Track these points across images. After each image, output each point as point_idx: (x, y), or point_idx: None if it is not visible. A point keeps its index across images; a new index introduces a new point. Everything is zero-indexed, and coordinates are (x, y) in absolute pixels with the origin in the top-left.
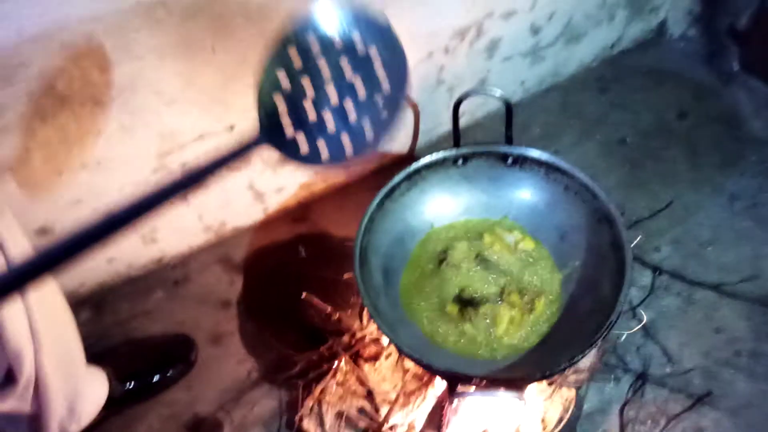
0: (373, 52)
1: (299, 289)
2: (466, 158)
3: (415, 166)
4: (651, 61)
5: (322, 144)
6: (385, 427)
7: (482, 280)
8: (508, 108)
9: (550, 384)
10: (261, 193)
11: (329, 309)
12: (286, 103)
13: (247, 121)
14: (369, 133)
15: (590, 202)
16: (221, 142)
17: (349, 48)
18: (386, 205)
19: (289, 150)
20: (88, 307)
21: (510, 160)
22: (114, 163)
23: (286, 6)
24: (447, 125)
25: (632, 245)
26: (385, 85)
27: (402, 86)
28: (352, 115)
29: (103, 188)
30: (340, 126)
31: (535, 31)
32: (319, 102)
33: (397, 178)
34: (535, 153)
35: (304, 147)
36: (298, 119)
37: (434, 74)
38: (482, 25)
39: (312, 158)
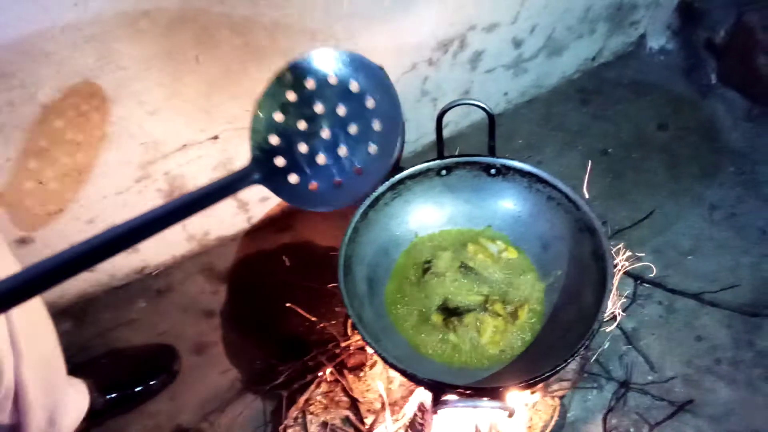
0: (369, 101)
1: (283, 299)
2: (449, 169)
3: (399, 176)
4: (631, 74)
5: (314, 187)
6: None
7: (466, 290)
8: (491, 119)
9: (533, 393)
10: (245, 202)
11: (313, 319)
12: (280, 142)
13: (230, 132)
14: (360, 179)
15: (572, 212)
16: (205, 152)
17: (345, 94)
18: (370, 215)
19: (280, 190)
20: (70, 318)
21: (493, 171)
22: (96, 173)
23: (271, 18)
24: (431, 135)
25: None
26: (379, 134)
27: (395, 137)
28: (345, 161)
29: (85, 198)
30: (333, 171)
31: (517, 43)
32: (313, 145)
33: (381, 188)
34: (517, 164)
35: (296, 188)
36: (292, 160)
37: (418, 85)
38: (465, 38)
39: (303, 200)
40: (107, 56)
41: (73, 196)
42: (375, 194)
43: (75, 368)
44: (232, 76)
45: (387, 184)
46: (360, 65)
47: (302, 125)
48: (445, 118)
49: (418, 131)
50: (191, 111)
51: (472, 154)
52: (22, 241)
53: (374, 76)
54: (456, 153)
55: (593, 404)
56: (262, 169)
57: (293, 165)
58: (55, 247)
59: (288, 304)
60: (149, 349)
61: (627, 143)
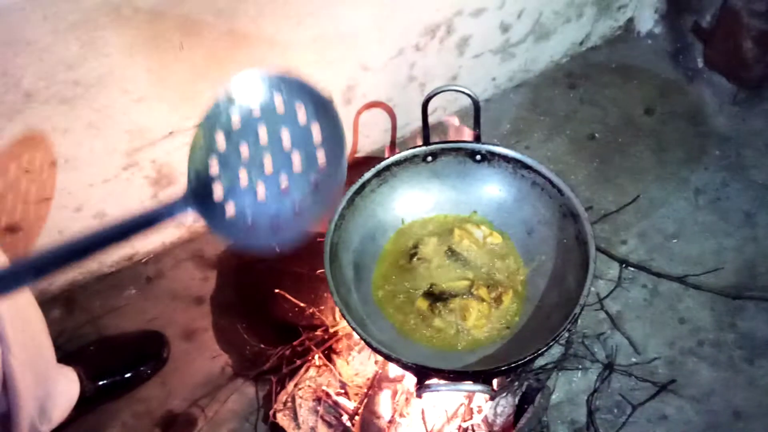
0: (315, 133)
1: (273, 285)
2: (435, 155)
3: (385, 162)
4: (619, 58)
5: (250, 223)
6: (357, 419)
7: (452, 275)
8: (476, 105)
9: (517, 376)
10: None
11: (302, 304)
12: (220, 171)
13: None
14: (298, 220)
15: (556, 197)
16: (191, 140)
17: (291, 123)
18: (357, 201)
19: (214, 221)
20: (59, 305)
21: (478, 157)
22: (82, 161)
23: (255, 3)
24: (420, 120)
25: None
26: (322, 171)
27: (340, 169)
28: (286, 198)
29: (72, 186)
30: (272, 207)
31: (504, 28)
32: (254, 177)
33: (367, 175)
34: (502, 150)
35: (231, 222)
36: (231, 191)
37: (405, 71)
38: (452, 23)
39: (236, 235)
40: (90, 44)
41: (61, 181)
42: (361, 181)
43: (65, 356)
44: (216, 64)
45: (373, 170)
46: (309, 93)
47: (244, 153)
48: (434, 104)
49: (407, 117)
50: (177, 98)
51: (457, 140)
52: (11, 229)
53: (323, 106)
54: (443, 139)
55: (577, 386)
56: (197, 197)
57: (231, 196)
58: (43, 235)
59: (277, 290)
60: (139, 335)
61: (614, 127)
